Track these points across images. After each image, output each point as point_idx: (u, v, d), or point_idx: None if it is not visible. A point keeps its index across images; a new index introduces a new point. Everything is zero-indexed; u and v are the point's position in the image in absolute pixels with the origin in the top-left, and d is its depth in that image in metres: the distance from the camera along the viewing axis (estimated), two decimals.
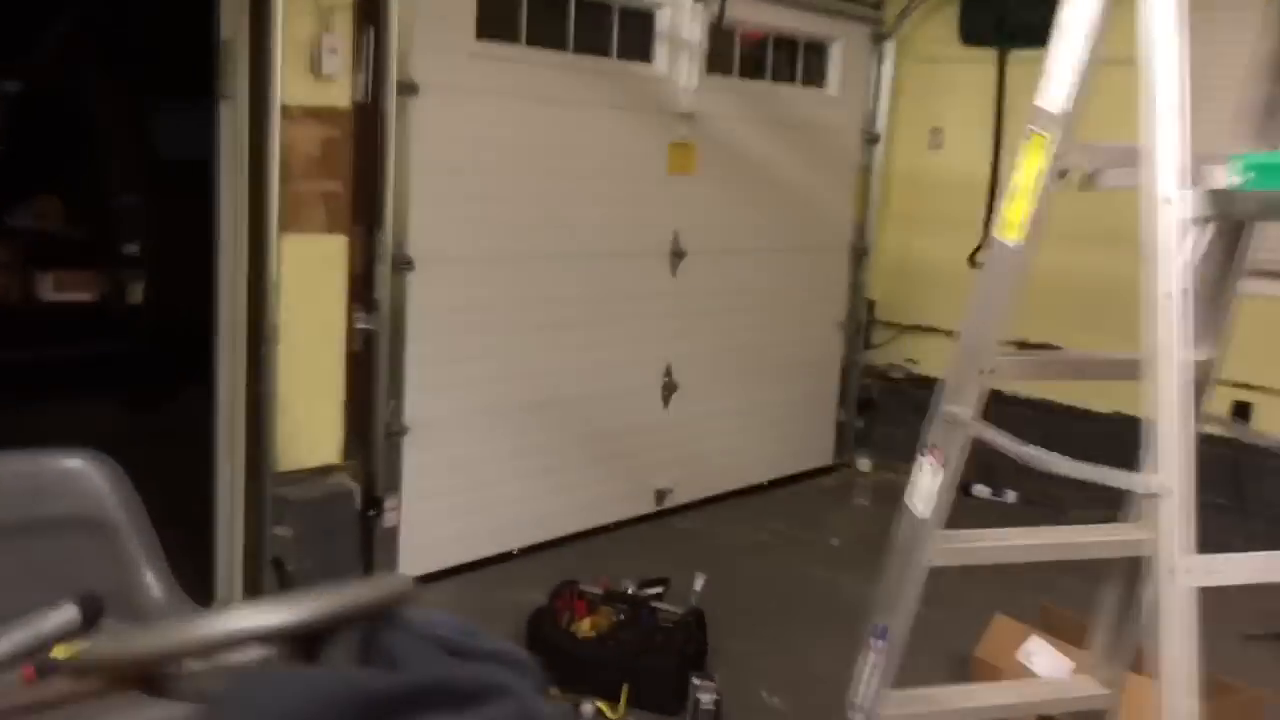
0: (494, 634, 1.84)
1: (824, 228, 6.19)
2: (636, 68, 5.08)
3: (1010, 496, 6.02)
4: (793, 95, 5.88)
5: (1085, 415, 5.83)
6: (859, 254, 6.35)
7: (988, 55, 6.02)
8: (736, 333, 5.74)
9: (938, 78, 6.25)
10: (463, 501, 4.68)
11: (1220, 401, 3.75)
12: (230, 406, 4.06)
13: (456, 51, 4.33)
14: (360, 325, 4.24)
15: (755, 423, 5.95)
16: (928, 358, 6.43)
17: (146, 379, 6.90)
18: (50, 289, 7.20)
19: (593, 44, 4.88)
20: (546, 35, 4.70)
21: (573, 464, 5.08)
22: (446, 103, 4.29)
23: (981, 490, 6.06)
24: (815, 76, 6.02)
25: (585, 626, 3.80)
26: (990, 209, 6.09)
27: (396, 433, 4.37)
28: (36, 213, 7.51)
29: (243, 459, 4.05)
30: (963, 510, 5.93)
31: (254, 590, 4.02)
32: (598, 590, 3.90)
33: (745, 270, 5.70)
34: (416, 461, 4.46)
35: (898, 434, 6.50)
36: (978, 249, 6.10)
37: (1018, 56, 5.91)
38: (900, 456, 6.44)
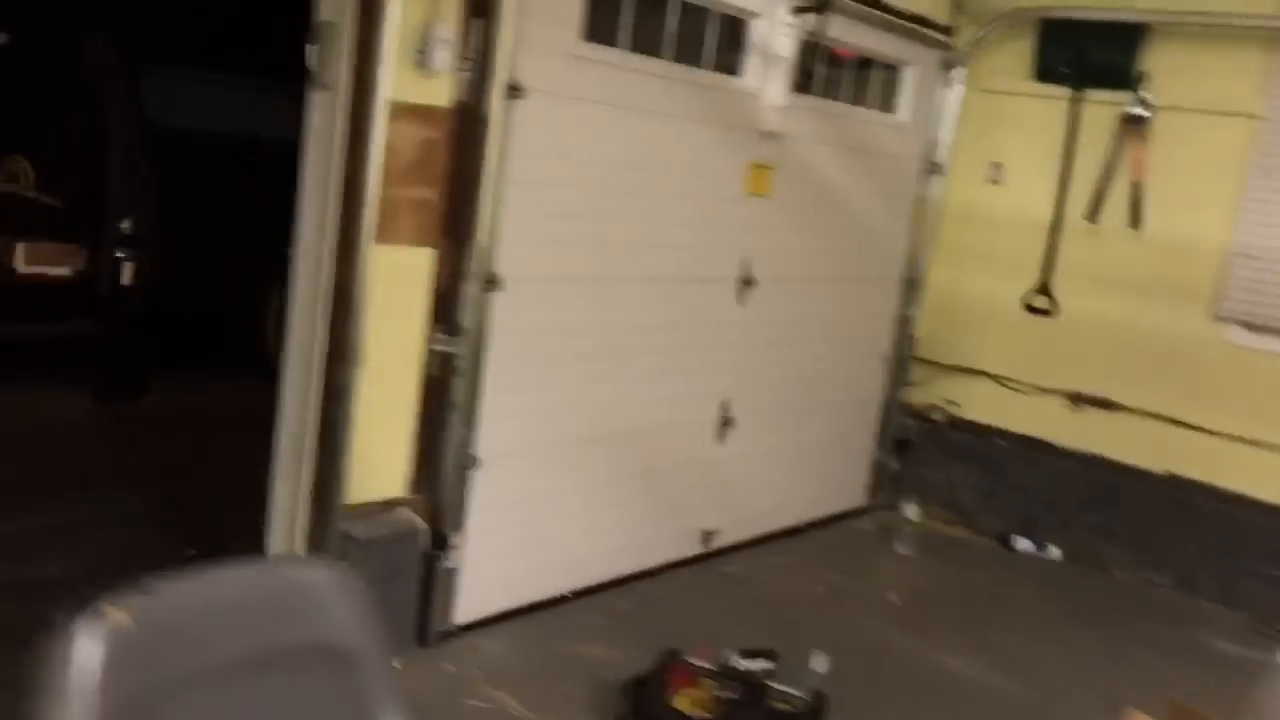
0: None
1: (880, 258, 5.90)
2: (728, 80, 4.72)
3: (1054, 552, 5.80)
4: (868, 119, 5.57)
5: (1139, 475, 5.63)
6: (911, 286, 6.07)
7: (1059, 93, 5.78)
8: (792, 366, 5.42)
9: (1004, 111, 5.99)
10: (520, 541, 4.29)
11: None
12: (297, 430, 3.63)
13: (560, 52, 3.93)
14: (438, 347, 3.83)
15: (798, 460, 5.65)
16: (969, 401, 6.17)
17: (128, 366, 6.40)
18: (22, 261, 6.63)
19: (685, 52, 4.51)
20: (643, 40, 4.33)
21: (628, 501, 4.72)
22: (549, 108, 3.88)
23: (1024, 544, 5.84)
24: (885, 101, 5.72)
25: (686, 702, 3.45)
26: (1050, 252, 5.87)
27: (466, 465, 3.96)
28: (7, 174, 6.95)
29: (308, 489, 3.61)
30: (1005, 565, 5.57)
31: None
32: (706, 664, 3.54)
33: (807, 300, 5.38)
34: (482, 497, 4.05)
35: (933, 478, 6.25)
36: (1037, 292, 5.88)
37: (1094, 98, 5.69)
38: (937, 502, 6.26)
